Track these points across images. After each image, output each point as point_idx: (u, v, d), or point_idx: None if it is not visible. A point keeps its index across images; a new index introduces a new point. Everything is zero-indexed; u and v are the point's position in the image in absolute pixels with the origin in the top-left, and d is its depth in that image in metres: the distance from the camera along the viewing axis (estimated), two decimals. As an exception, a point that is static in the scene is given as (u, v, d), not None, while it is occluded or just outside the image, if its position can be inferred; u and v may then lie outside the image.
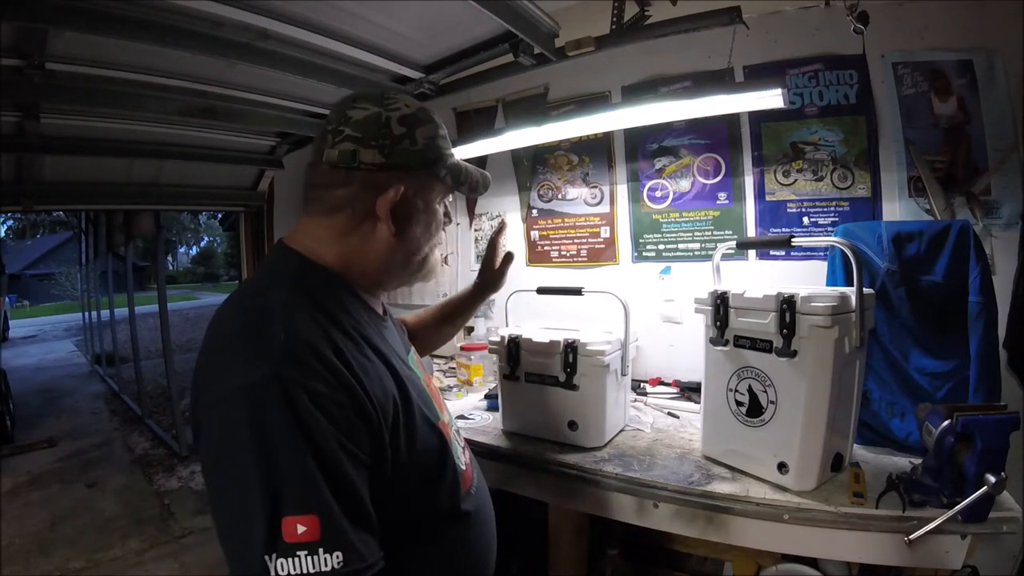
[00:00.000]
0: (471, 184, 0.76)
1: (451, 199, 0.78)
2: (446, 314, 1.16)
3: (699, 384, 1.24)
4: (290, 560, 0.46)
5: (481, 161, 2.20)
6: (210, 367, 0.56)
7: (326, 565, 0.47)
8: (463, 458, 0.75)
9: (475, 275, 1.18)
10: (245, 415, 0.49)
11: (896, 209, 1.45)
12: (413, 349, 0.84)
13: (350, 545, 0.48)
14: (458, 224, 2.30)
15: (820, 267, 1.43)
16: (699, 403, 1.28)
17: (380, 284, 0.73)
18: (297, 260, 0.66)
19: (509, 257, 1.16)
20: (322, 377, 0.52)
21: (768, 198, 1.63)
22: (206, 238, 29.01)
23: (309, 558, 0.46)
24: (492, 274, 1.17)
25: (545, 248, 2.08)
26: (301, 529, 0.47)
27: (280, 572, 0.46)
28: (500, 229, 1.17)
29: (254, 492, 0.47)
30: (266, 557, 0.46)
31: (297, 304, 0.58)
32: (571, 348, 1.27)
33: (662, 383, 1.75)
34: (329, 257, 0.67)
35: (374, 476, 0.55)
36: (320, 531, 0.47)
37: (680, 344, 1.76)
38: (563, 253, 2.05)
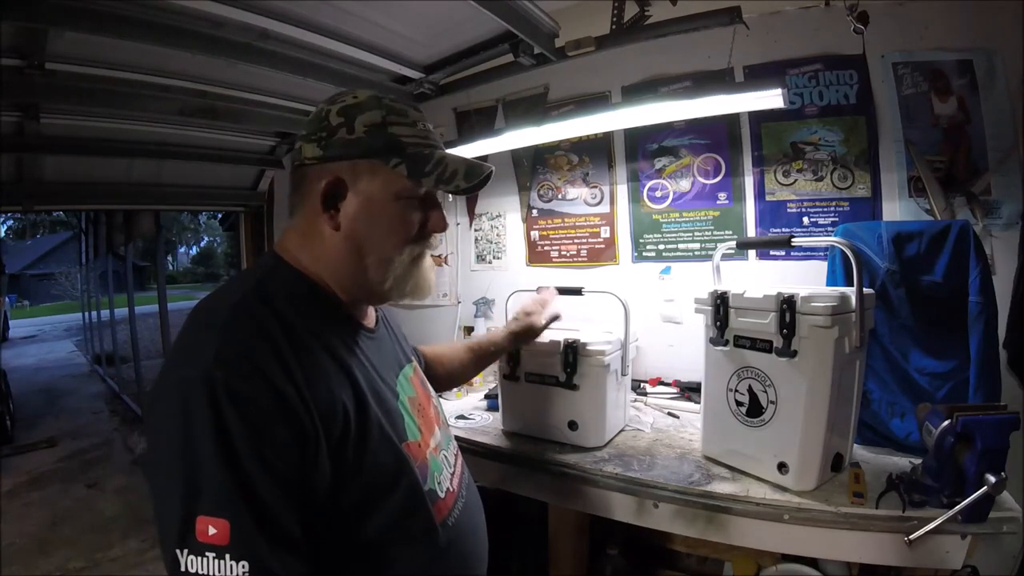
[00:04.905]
0: (442, 176, 0.64)
1: (450, 199, 0.76)
2: (480, 356, 1.17)
3: (699, 384, 1.24)
4: (199, 559, 0.46)
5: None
6: (165, 360, 0.57)
7: (231, 573, 0.46)
8: (447, 484, 0.70)
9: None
10: (176, 409, 0.50)
11: (896, 209, 1.45)
12: (413, 365, 0.81)
13: (258, 558, 0.47)
14: (458, 224, 2.30)
15: (820, 267, 1.43)
16: (699, 403, 1.28)
17: (346, 290, 0.67)
18: (273, 262, 0.66)
19: (556, 317, 1.25)
20: (249, 383, 0.51)
21: (768, 198, 1.63)
22: (206, 238, 29.13)
23: (216, 561, 0.46)
24: (535, 332, 1.22)
25: (545, 248, 2.08)
26: (212, 531, 0.47)
27: (189, 569, 0.46)
28: (553, 319, 1.25)
29: (176, 485, 0.48)
30: (177, 551, 0.46)
31: (248, 306, 0.57)
32: (571, 348, 1.27)
33: (662, 383, 1.75)
34: (304, 261, 0.66)
35: (308, 488, 0.53)
36: (229, 536, 0.47)
37: (680, 344, 1.76)
38: (563, 253, 2.05)
